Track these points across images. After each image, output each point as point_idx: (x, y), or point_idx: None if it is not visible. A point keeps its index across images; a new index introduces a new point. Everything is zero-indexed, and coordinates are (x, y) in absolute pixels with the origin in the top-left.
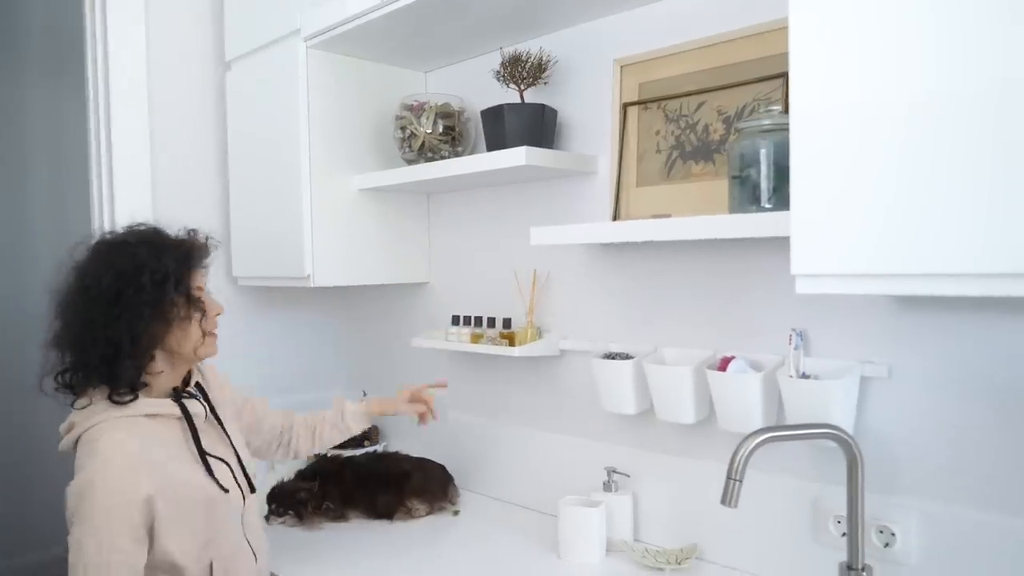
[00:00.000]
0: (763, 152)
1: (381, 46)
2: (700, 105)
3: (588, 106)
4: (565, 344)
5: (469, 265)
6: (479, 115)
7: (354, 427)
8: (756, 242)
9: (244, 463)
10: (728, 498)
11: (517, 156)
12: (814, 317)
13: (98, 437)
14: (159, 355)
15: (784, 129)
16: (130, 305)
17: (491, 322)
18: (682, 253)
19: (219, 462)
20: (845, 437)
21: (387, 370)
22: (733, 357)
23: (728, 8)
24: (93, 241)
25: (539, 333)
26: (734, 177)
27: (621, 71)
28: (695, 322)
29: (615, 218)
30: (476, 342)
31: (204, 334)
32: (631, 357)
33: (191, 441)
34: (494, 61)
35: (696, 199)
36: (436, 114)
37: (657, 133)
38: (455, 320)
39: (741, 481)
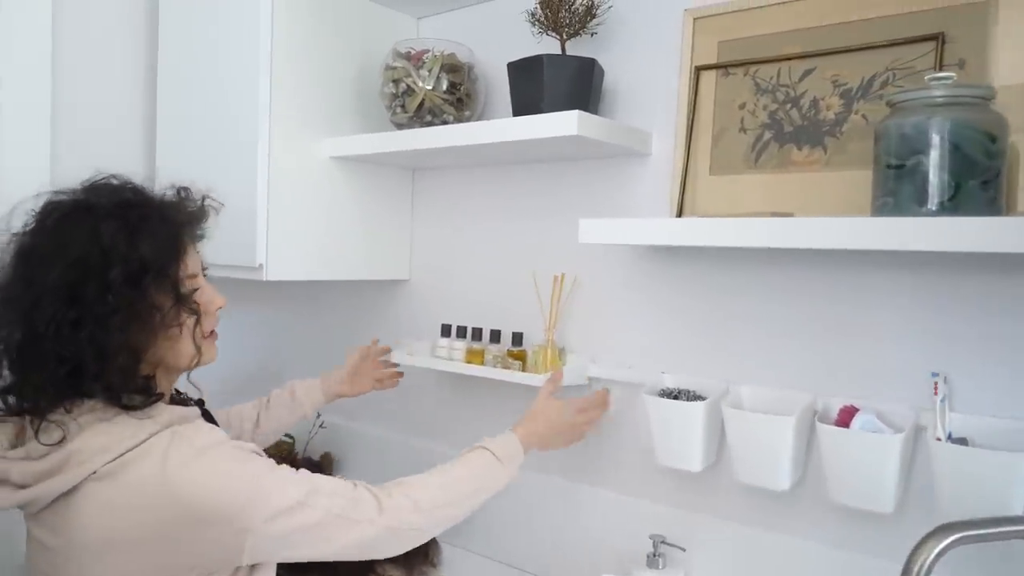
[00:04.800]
0: (935, 134)
1: None
2: (807, 73)
3: (642, 68)
4: (595, 371)
5: (462, 261)
6: (487, 73)
7: (307, 403)
8: (883, 255)
9: None
10: None
11: (566, 123)
12: (958, 358)
13: (178, 444)
14: (144, 367)
15: (967, 104)
16: (91, 310)
17: (495, 336)
18: (770, 264)
19: None
20: None
21: None
22: (854, 408)
23: None
24: (42, 202)
25: (561, 355)
26: (891, 167)
27: (694, 25)
28: (782, 355)
29: (679, 213)
30: (474, 361)
31: (198, 344)
32: (700, 397)
33: None
34: (501, 9)
35: (796, 194)
36: (441, 66)
37: (742, 107)
38: (445, 330)
39: None
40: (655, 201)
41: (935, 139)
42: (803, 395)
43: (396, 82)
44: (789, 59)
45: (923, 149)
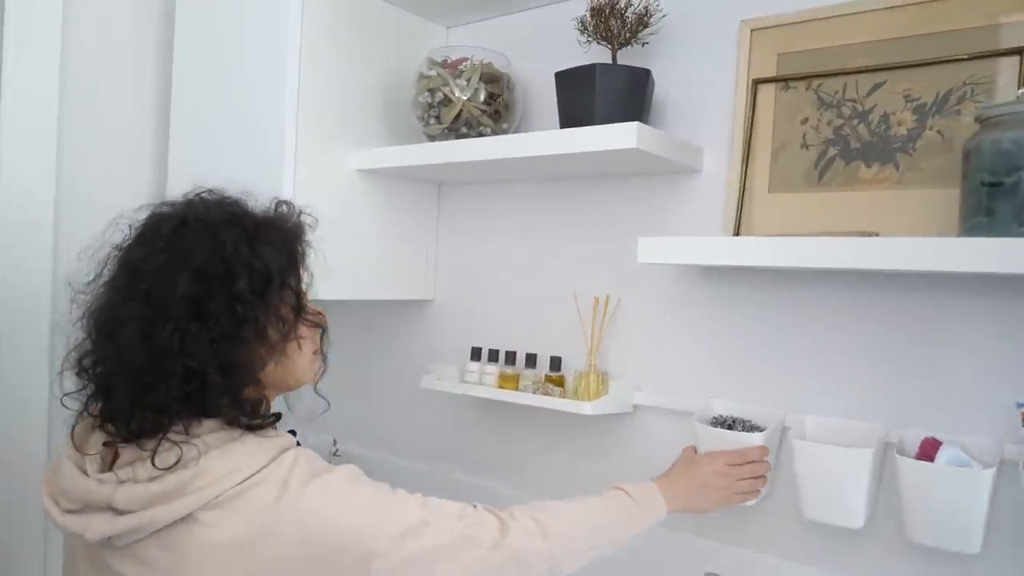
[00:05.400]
0: None
1: None
2: (877, 87)
3: (694, 80)
4: (640, 398)
5: (492, 281)
6: (523, 84)
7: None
8: (962, 278)
9: None
10: None
11: (625, 135)
12: None
13: (300, 468)
14: (262, 385)
15: None
16: (219, 322)
17: (530, 360)
18: (831, 285)
19: None
20: None
21: (371, 413)
22: (937, 440)
23: None
24: (145, 216)
25: (604, 380)
26: (986, 184)
27: (752, 36)
28: (845, 382)
29: (736, 232)
30: (507, 386)
31: (325, 357)
32: (757, 427)
33: None
34: (535, 19)
35: (865, 213)
36: (480, 76)
37: (804, 122)
38: (475, 354)
39: None
40: (706, 220)
41: None
42: (872, 426)
43: (432, 91)
44: (857, 72)
45: (1022, 166)
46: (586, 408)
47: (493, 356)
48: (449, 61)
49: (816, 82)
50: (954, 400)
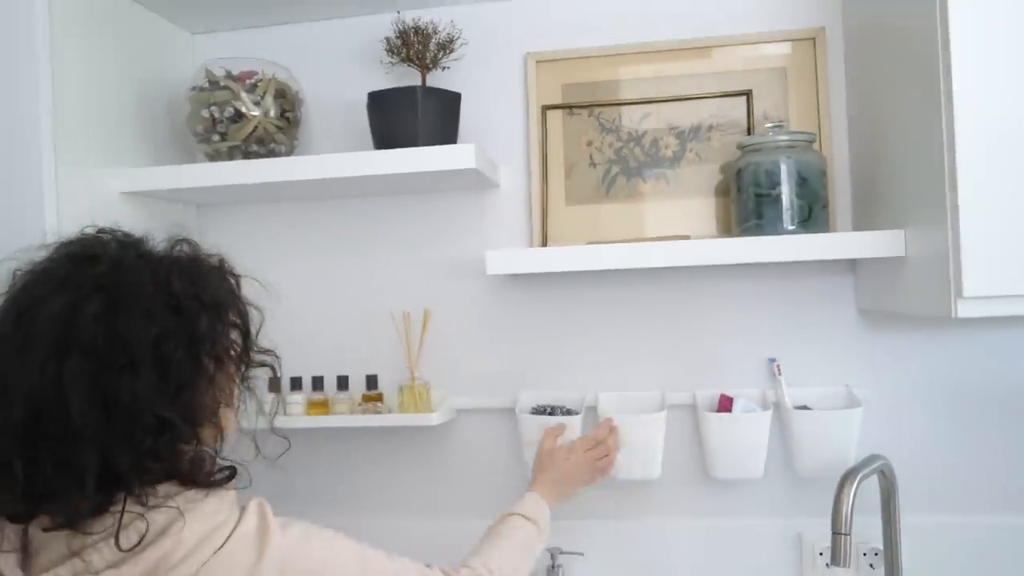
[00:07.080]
0: (789, 169)
1: None
2: (646, 116)
3: (485, 104)
4: (461, 402)
5: (281, 304)
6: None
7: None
8: (731, 268)
9: None
10: (842, 557)
11: (464, 156)
12: (782, 345)
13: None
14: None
15: (802, 146)
16: (181, 367)
17: (342, 383)
18: (620, 282)
19: None
20: (889, 464)
21: None
22: (729, 396)
23: (672, 15)
24: (45, 261)
25: (427, 391)
26: (759, 195)
27: (537, 67)
28: (641, 361)
29: (544, 241)
30: (319, 412)
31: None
32: (571, 411)
33: None
34: (289, 35)
35: (647, 220)
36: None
37: (590, 144)
38: (273, 384)
39: (850, 534)
40: (509, 231)
41: (790, 173)
42: (653, 394)
43: (219, 106)
44: (628, 104)
45: (780, 181)
46: (433, 419)
47: (296, 384)
48: (239, 75)
49: (596, 110)
50: (727, 363)
